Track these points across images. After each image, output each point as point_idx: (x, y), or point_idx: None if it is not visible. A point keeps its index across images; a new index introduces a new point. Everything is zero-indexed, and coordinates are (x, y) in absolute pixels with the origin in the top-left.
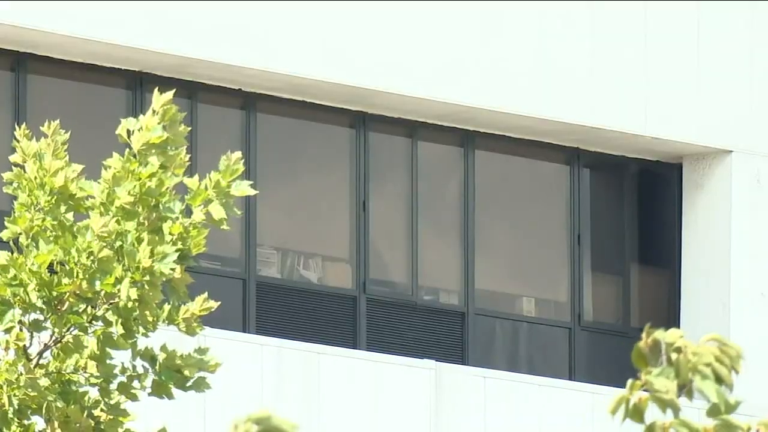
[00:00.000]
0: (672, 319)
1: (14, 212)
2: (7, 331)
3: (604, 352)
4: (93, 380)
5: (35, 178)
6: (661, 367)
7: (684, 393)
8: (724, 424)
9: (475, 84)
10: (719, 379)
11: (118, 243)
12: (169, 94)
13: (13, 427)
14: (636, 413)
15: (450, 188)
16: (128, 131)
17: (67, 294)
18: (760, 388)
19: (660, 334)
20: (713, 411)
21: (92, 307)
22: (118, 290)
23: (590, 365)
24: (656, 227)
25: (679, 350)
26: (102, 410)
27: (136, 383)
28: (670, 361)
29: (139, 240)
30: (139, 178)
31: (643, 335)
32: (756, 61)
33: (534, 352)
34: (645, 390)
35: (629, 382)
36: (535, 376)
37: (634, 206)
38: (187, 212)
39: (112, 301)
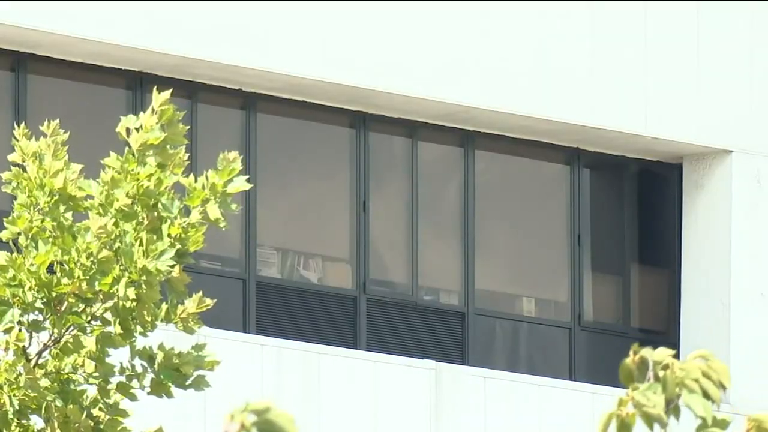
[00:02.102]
0: (672, 319)
1: (13, 212)
2: (7, 331)
3: (604, 353)
4: (92, 380)
5: (35, 178)
6: (648, 383)
7: (671, 409)
8: None
9: (475, 84)
10: (706, 395)
11: (117, 244)
12: (167, 93)
13: (13, 428)
14: (623, 429)
15: (450, 188)
16: (127, 129)
17: (67, 294)
18: (760, 388)
19: (647, 352)
20: (701, 427)
21: (91, 306)
22: (116, 290)
23: (590, 365)
24: (656, 227)
25: (666, 367)
26: (101, 409)
27: (135, 383)
28: (657, 377)
29: (138, 239)
30: (138, 179)
31: (631, 353)
32: (756, 61)
33: (534, 352)
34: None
35: (617, 398)
36: (535, 376)
37: (634, 206)
38: (186, 212)
39: (111, 301)
